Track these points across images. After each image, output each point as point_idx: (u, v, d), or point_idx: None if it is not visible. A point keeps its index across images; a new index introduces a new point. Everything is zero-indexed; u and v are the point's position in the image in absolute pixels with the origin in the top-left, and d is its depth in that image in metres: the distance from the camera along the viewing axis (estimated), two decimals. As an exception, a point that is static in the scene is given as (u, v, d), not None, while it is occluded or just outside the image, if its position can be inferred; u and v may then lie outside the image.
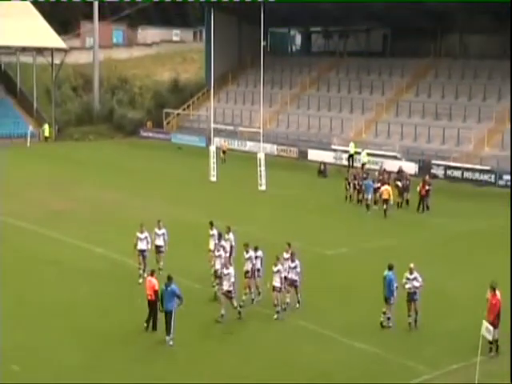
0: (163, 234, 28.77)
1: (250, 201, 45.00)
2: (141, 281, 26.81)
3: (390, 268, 23.35)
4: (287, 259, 25.14)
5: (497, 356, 20.91)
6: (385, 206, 41.27)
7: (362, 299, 24.37)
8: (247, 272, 25.22)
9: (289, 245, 25.73)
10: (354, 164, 56.28)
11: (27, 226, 36.25)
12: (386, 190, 41.47)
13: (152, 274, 23.50)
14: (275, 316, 23.94)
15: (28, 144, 68.93)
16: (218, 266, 25.66)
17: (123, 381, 19.60)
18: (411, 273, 23.06)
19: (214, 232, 28.04)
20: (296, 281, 24.86)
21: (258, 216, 40.55)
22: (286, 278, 24.59)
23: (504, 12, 62.09)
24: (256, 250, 25.72)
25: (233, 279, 23.71)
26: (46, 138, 71.66)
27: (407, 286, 22.95)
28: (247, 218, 39.69)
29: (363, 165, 55.45)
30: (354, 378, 20.23)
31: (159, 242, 28.54)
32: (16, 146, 67.89)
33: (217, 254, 26.17)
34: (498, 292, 21.24)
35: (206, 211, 40.49)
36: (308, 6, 72.56)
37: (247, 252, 25.39)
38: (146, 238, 28.02)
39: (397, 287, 23.10)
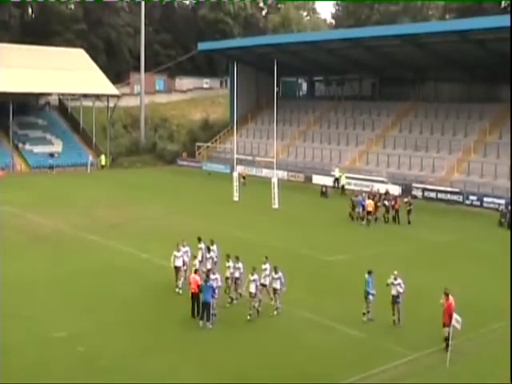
0: (186, 252, 26.65)
1: (265, 217, 44.92)
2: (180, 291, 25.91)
3: (369, 273, 23.41)
4: (265, 269, 24.18)
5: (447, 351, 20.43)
6: (369, 217, 41.77)
7: (356, 296, 24.42)
8: (227, 278, 24.92)
9: (266, 258, 24.76)
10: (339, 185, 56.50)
11: (90, 237, 36.56)
12: (370, 204, 41.93)
13: (196, 272, 23.72)
14: (248, 317, 23.10)
15: (88, 171, 69.41)
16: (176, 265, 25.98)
17: (172, 360, 19.82)
18: (395, 278, 22.86)
19: (202, 245, 27.32)
20: (279, 289, 23.68)
21: (272, 229, 40.56)
22: (264, 285, 23.88)
23: (468, 64, 62.53)
24: (237, 260, 24.66)
25: (220, 283, 23.54)
26: (102, 166, 72.03)
27: (393, 292, 22.80)
28: (263, 230, 39.83)
29: (343, 186, 56.19)
30: (349, 357, 20.43)
31: (178, 262, 26.28)
32: (79, 172, 68.51)
33: (207, 256, 26.38)
34: (450, 297, 20.90)
35: (230, 224, 40.84)
36: (312, 60, 73.23)
37: (227, 261, 24.84)
38: (182, 255, 26.32)
39: (373, 294, 23.11)
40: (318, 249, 34.64)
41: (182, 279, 25.94)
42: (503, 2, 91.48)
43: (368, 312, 23.22)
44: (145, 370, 19.18)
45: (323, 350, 20.95)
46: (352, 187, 55.11)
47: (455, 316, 19.93)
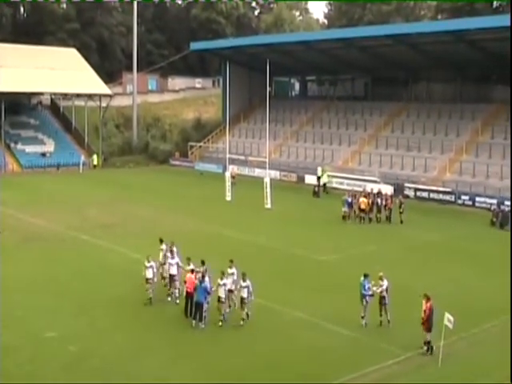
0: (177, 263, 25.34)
1: (258, 216, 44.96)
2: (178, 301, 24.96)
3: (365, 276, 23.23)
4: (231, 274, 23.62)
5: (430, 354, 20.45)
6: (362, 214, 42.20)
7: (348, 295, 24.50)
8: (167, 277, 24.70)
9: (231, 261, 24.28)
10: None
11: (82, 236, 36.51)
12: (363, 202, 42.21)
13: (192, 272, 23.52)
14: (220, 323, 22.62)
15: (80, 171, 69.21)
16: (171, 273, 25.14)
17: (163, 356, 19.86)
18: (381, 279, 22.89)
19: (164, 247, 26.85)
20: (245, 298, 22.76)
21: (264, 228, 40.58)
22: (231, 291, 23.34)
23: (460, 64, 62.75)
24: (203, 264, 23.88)
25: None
26: (94, 165, 71.85)
27: (378, 291, 22.87)
28: (256, 230, 39.84)
29: (324, 184, 56.84)
30: (341, 357, 20.46)
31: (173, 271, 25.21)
32: (71, 172, 68.30)
33: (172, 261, 25.33)
34: (430, 301, 20.70)
35: (222, 224, 40.87)
36: (304, 60, 73.30)
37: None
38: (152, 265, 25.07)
39: (372, 294, 22.97)
40: (310, 248, 34.67)
41: (150, 290, 24.77)
42: (495, 3, 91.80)
43: (363, 317, 22.97)
44: (138, 369, 19.19)
45: (316, 349, 20.98)
46: (345, 187, 55.22)
47: (447, 315, 19.99)
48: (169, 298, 25.11)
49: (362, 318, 22.94)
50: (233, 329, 22.58)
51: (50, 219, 41.43)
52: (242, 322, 22.77)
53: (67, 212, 44.22)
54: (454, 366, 19.84)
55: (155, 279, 24.98)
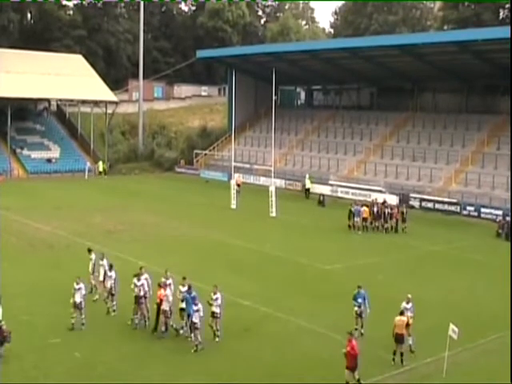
0: (145, 282, 23.68)
1: (263, 225, 45.01)
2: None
3: (359, 287, 23.00)
4: (184, 292, 22.46)
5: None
6: (364, 223, 42.47)
7: (351, 304, 24.50)
8: (137, 297, 23.35)
9: (184, 278, 23.17)
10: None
11: (87, 243, 36.25)
12: (365, 211, 42.28)
13: (159, 285, 22.88)
14: (216, 339, 21.96)
15: (86, 177, 69.30)
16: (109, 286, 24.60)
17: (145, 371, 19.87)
18: (408, 302, 22.01)
19: (93, 256, 26.70)
20: (216, 313, 21.93)
21: (269, 237, 40.59)
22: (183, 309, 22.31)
23: (466, 75, 62.83)
24: (139, 277, 23.39)
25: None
26: (100, 172, 71.97)
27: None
28: (261, 238, 39.85)
29: (307, 189, 57.63)
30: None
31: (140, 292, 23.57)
32: (77, 178, 68.49)
33: (109, 274, 24.74)
34: (353, 341, 18.71)
35: (227, 232, 40.94)
36: (310, 69, 73.46)
37: (139, 280, 23.40)
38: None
39: (359, 306, 22.59)
40: (315, 257, 34.67)
41: (75, 315, 23.01)
42: (501, 13, 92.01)
43: (356, 329, 22.37)
44: (142, 377, 19.22)
45: (319, 358, 20.98)
46: (350, 196, 55.29)
47: (452, 326, 19.99)
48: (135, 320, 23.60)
49: (355, 330, 22.34)
50: (237, 337, 22.59)
51: (54, 225, 41.54)
52: (217, 339, 21.95)
53: (72, 218, 44.33)
54: (458, 376, 19.79)
55: (83, 304, 23.02)
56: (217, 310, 21.94)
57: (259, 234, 41.33)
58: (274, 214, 47.20)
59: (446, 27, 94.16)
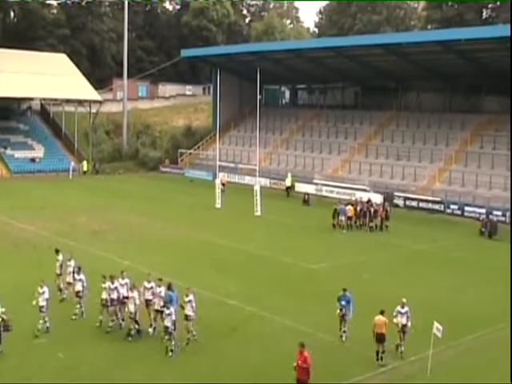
0: (119, 286, 22.91)
1: (248, 224, 44.98)
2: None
3: (344, 290, 22.49)
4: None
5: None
6: (348, 222, 42.63)
7: (336, 303, 24.51)
8: (106, 300, 22.77)
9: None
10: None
11: (70, 243, 36.25)
12: (350, 210, 42.40)
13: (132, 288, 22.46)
14: (186, 342, 21.46)
15: (70, 177, 68.87)
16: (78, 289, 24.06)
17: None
18: (403, 307, 21.32)
19: (60, 257, 26.36)
20: (189, 315, 21.41)
21: (254, 236, 40.56)
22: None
23: (450, 75, 63.16)
24: (113, 280, 22.83)
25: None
26: (84, 172, 71.69)
27: (403, 321, 21.19)
28: (246, 237, 39.81)
29: (288, 188, 58.47)
30: (330, 365, 20.37)
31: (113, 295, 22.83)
32: (61, 178, 68.07)
33: (77, 277, 24.14)
34: (306, 352, 17.75)
35: (212, 232, 40.89)
36: (295, 68, 73.52)
37: (104, 283, 22.83)
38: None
39: (343, 310, 22.19)
40: (300, 257, 34.68)
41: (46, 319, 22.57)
42: (484, 13, 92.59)
43: (344, 332, 22.29)
44: (126, 377, 19.14)
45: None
46: (334, 195, 55.41)
47: (436, 324, 20.06)
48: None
49: (342, 333, 22.28)
50: (222, 337, 22.56)
51: (38, 225, 41.28)
52: (193, 339, 21.57)
53: (56, 218, 44.07)
54: (443, 375, 19.87)
55: (46, 307, 22.58)
56: (190, 312, 21.39)
57: (244, 234, 41.30)
58: (258, 213, 47.21)
59: (429, 27, 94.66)
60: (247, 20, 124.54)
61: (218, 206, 50.44)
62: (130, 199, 54.46)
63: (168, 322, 20.63)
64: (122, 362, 20.20)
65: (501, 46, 50.26)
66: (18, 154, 71.74)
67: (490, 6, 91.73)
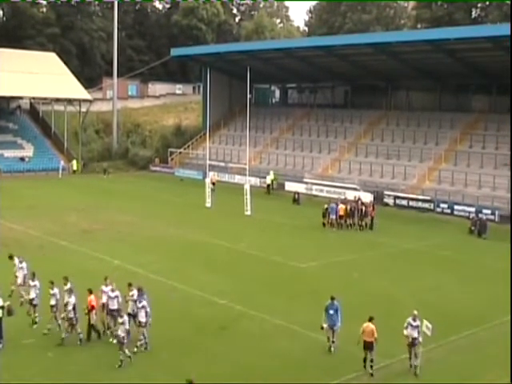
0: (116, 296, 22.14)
1: (238, 223, 44.93)
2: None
3: (332, 299, 21.50)
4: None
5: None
6: (339, 221, 42.79)
7: (326, 302, 24.55)
8: (52, 306, 22.14)
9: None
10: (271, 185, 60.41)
11: (61, 242, 36.29)
12: (342, 208, 42.45)
13: (90, 292, 22.15)
14: (135, 349, 20.63)
15: (60, 176, 68.69)
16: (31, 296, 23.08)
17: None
18: (414, 319, 20.04)
19: (16, 262, 25.52)
20: (141, 322, 20.79)
21: (245, 235, 40.51)
22: (131, 315, 21.10)
23: (439, 74, 63.34)
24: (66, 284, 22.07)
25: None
26: (74, 171, 71.49)
27: (414, 335, 20.01)
28: (236, 236, 39.75)
29: (268, 185, 59.51)
30: (320, 364, 20.40)
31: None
32: (50, 177, 67.92)
33: (32, 283, 23.13)
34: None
35: (202, 231, 40.86)
36: (285, 67, 73.53)
37: (52, 289, 22.25)
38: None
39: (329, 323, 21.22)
40: (290, 256, 34.66)
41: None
42: (473, 13, 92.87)
43: (333, 342, 21.31)
44: (115, 378, 19.03)
45: (295, 357, 20.93)
46: (324, 194, 55.48)
47: (426, 323, 20.09)
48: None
49: (331, 343, 21.45)
50: (212, 336, 22.49)
51: (28, 225, 41.12)
52: (142, 348, 20.91)
53: (46, 217, 43.93)
54: (432, 373, 19.90)
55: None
56: (142, 319, 20.80)
57: (234, 233, 41.24)
58: (248, 213, 47.18)
59: (419, 26, 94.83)
60: (237, 19, 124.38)
61: (208, 205, 50.39)
62: (120, 198, 54.36)
63: (121, 331, 19.73)
64: (111, 361, 20.08)
65: (489, 45, 50.49)
66: (8, 153, 71.45)
67: (479, 5, 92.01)
